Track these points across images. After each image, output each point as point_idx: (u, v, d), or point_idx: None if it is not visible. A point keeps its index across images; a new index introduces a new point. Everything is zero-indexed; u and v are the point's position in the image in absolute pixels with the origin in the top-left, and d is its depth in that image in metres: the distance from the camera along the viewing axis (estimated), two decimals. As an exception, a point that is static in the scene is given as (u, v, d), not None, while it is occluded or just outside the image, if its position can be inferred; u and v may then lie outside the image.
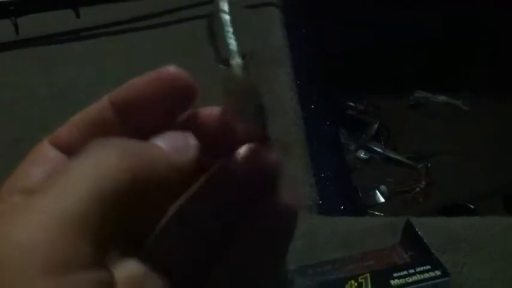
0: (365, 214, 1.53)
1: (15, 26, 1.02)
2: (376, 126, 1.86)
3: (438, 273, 0.71)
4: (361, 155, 1.81)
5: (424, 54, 1.96)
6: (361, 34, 1.91)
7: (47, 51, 1.08)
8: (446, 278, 0.71)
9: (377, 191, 1.68)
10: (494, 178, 1.72)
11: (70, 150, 0.29)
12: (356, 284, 0.70)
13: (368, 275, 0.71)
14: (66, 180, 0.23)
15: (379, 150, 1.82)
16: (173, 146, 0.26)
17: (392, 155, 1.81)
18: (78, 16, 1.07)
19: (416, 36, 1.93)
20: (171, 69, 0.30)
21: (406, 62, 1.92)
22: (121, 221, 0.23)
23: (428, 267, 0.71)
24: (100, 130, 0.29)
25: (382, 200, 1.68)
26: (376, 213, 1.64)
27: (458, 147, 1.80)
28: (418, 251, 0.74)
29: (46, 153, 0.29)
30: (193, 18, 1.16)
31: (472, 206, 1.67)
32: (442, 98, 1.96)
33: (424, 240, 0.74)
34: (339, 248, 0.78)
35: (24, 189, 0.27)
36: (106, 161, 0.24)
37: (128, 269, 0.24)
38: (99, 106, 0.30)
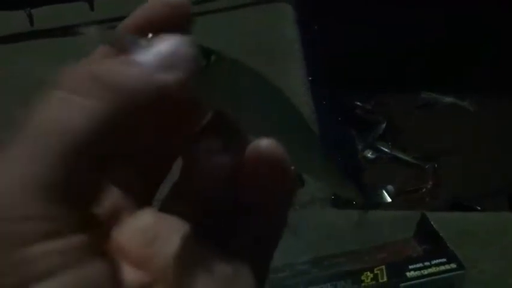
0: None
1: (30, 17, 1.02)
2: (383, 126, 1.86)
3: (454, 266, 0.71)
4: (369, 155, 1.80)
5: (431, 54, 1.97)
6: (367, 34, 1.91)
7: (61, 43, 1.08)
8: (461, 271, 0.71)
9: (384, 191, 1.68)
10: (501, 178, 1.72)
11: None
12: (372, 275, 0.70)
13: (384, 266, 0.71)
14: (38, 130, 0.21)
15: (386, 150, 1.82)
16: (162, 58, 0.23)
17: (399, 155, 1.81)
18: (92, 9, 1.07)
19: (422, 37, 1.93)
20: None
21: (413, 63, 1.92)
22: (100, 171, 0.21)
23: (443, 260, 0.71)
24: None
25: (389, 199, 1.68)
26: (382, 210, 1.63)
27: (465, 147, 1.80)
28: (433, 244, 0.75)
29: None
30: (206, 13, 1.16)
31: (478, 207, 1.67)
32: (448, 99, 1.96)
33: (440, 233, 0.75)
34: (353, 240, 0.79)
35: None
36: (68, 111, 0.21)
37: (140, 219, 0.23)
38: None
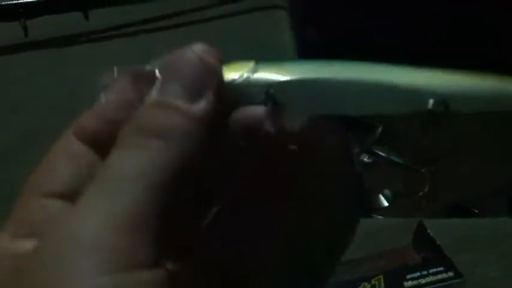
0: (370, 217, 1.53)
1: (25, 28, 1.02)
2: (379, 129, 1.86)
3: (451, 274, 0.71)
4: (365, 159, 1.80)
5: (426, 59, 1.97)
6: (363, 39, 1.91)
7: (56, 53, 1.08)
8: (459, 279, 0.71)
9: (381, 195, 1.68)
10: (499, 180, 1.71)
11: (97, 141, 0.26)
12: (369, 285, 0.70)
13: (381, 276, 0.71)
14: (115, 178, 0.22)
15: (382, 154, 1.81)
16: (187, 91, 0.24)
17: (396, 158, 1.81)
18: (87, 19, 1.07)
19: (418, 42, 1.94)
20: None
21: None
22: (179, 206, 0.23)
23: (441, 268, 0.71)
24: (127, 115, 0.26)
25: (386, 203, 1.68)
26: (380, 217, 1.63)
27: (462, 150, 1.80)
28: (431, 252, 0.74)
29: (71, 148, 0.27)
30: (203, 20, 1.16)
31: (476, 210, 1.67)
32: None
33: (437, 241, 0.74)
34: (352, 249, 0.78)
35: (54, 192, 0.25)
36: (149, 151, 0.23)
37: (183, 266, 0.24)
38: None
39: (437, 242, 0.73)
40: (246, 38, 1.15)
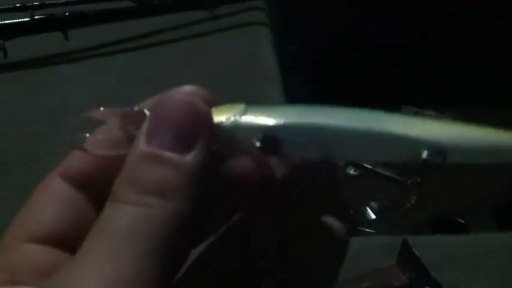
0: (357, 233, 1.52)
1: (4, 49, 1.01)
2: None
3: (437, 294, 0.71)
4: (351, 172, 1.80)
5: (409, 68, 1.97)
6: (346, 54, 1.91)
7: (37, 74, 1.07)
8: (445, 299, 0.71)
9: (368, 208, 1.68)
10: (484, 191, 1.72)
11: (84, 183, 0.27)
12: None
13: (367, 297, 0.71)
14: (115, 236, 0.22)
15: (368, 166, 1.81)
16: (179, 133, 0.23)
17: (381, 171, 1.81)
18: (66, 38, 1.06)
19: (403, 51, 1.94)
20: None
21: (393, 78, 1.93)
22: (180, 253, 0.23)
23: (426, 288, 0.71)
24: (115, 156, 0.26)
25: (373, 216, 1.68)
26: (367, 230, 1.63)
27: (447, 161, 1.80)
28: (416, 272, 0.74)
29: (56, 190, 0.27)
30: (184, 38, 1.16)
31: (462, 221, 1.67)
32: (429, 113, 1.96)
33: (422, 260, 0.74)
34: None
35: (38, 236, 0.26)
36: (146, 209, 0.22)
37: None
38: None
39: (422, 262, 0.73)
40: (227, 55, 1.15)
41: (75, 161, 0.28)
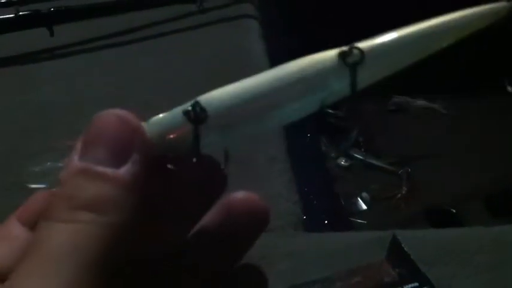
0: (349, 224, 1.52)
1: (-12, 46, 1.00)
2: (356, 132, 1.86)
3: (427, 290, 0.71)
4: (342, 163, 1.80)
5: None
6: (335, 42, 1.90)
7: (22, 71, 1.06)
8: (435, 294, 0.71)
9: (359, 199, 1.68)
10: (476, 180, 1.73)
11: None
12: (344, 304, 0.69)
13: (356, 294, 0.70)
14: (46, 257, 0.21)
15: (359, 157, 1.81)
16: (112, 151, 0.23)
17: (373, 161, 1.81)
18: (52, 34, 1.05)
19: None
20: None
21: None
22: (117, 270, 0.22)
23: (416, 284, 0.71)
24: None
25: (364, 207, 1.68)
26: (359, 220, 1.63)
27: (438, 150, 1.81)
28: (406, 267, 0.74)
29: (11, 230, 0.27)
30: (171, 32, 1.15)
31: (453, 210, 1.68)
32: (420, 102, 1.96)
33: (411, 255, 0.74)
34: (326, 266, 0.77)
35: None
36: (79, 225, 0.22)
37: None
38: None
39: (412, 257, 0.72)
40: (216, 48, 1.14)
41: (32, 203, 0.28)
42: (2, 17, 1.04)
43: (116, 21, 1.12)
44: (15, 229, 0.27)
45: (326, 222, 0.98)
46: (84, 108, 0.95)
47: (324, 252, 0.80)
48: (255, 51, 1.15)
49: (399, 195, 1.70)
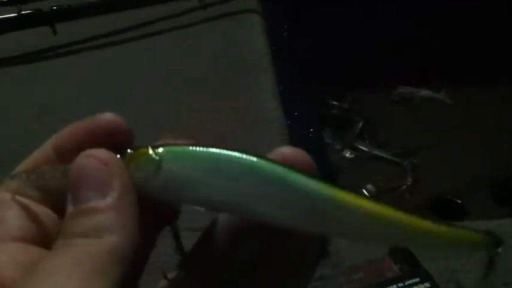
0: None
1: (-9, 45, 1.01)
2: (360, 124, 1.86)
3: (427, 285, 0.71)
4: (347, 154, 1.80)
5: (403, 49, 1.96)
6: (337, 34, 1.90)
7: (26, 70, 1.06)
8: (436, 289, 0.71)
9: (364, 190, 1.68)
10: (480, 170, 1.72)
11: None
12: (346, 300, 0.70)
13: (358, 290, 0.71)
14: (49, 272, 0.25)
15: (364, 148, 1.81)
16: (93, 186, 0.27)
17: (377, 152, 1.81)
18: (55, 33, 1.05)
19: (392, 33, 1.93)
20: (108, 116, 0.31)
21: (387, 57, 1.92)
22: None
23: (417, 279, 0.71)
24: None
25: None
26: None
27: (443, 141, 1.80)
28: (407, 263, 0.74)
29: (15, 203, 0.30)
30: (175, 28, 1.15)
31: (459, 201, 1.68)
32: (424, 92, 1.96)
33: (413, 252, 0.74)
34: (328, 262, 0.78)
35: (17, 236, 0.29)
36: (76, 247, 0.26)
37: None
38: (44, 153, 0.32)
39: (413, 253, 0.73)
40: (220, 41, 1.14)
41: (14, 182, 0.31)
42: (4, 16, 1.04)
43: (118, 19, 1.13)
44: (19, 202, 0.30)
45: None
46: (87, 107, 0.95)
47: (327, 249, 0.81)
48: (257, 46, 1.15)
49: (404, 186, 1.71)
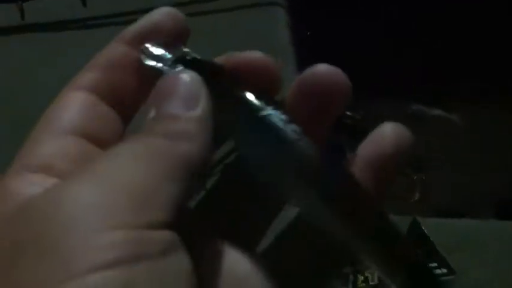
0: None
1: (21, 10, 1.01)
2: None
3: (444, 271, 0.71)
4: (358, 164, 1.80)
5: (426, 65, 1.97)
6: (361, 40, 1.91)
7: (52, 39, 1.07)
8: (452, 276, 0.71)
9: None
10: (487, 186, 1.72)
11: (100, 92, 0.29)
12: (363, 277, 0.70)
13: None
14: (130, 155, 0.24)
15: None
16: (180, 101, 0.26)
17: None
18: (84, 5, 1.06)
19: (414, 47, 1.94)
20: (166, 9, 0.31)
21: (404, 74, 1.93)
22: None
23: (434, 264, 0.71)
24: (122, 71, 0.29)
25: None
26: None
27: (452, 159, 1.81)
28: (424, 249, 0.74)
29: (74, 96, 0.29)
30: (201, 13, 1.15)
31: (465, 215, 1.67)
32: (437, 112, 1.97)
33: (431, 238, 0.74)
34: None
35: (69, 129, 0.27)
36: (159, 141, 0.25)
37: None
38: (117, 47, 0.31)
39: (431, 239, 0.73)
40: (243, 33, 1.14)
41: (86, 77, 0.30)
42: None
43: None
44: (78, 95, 0.29)
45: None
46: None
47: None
48: (281, 40, 1.16)
49: (412, 200, 1.70)
